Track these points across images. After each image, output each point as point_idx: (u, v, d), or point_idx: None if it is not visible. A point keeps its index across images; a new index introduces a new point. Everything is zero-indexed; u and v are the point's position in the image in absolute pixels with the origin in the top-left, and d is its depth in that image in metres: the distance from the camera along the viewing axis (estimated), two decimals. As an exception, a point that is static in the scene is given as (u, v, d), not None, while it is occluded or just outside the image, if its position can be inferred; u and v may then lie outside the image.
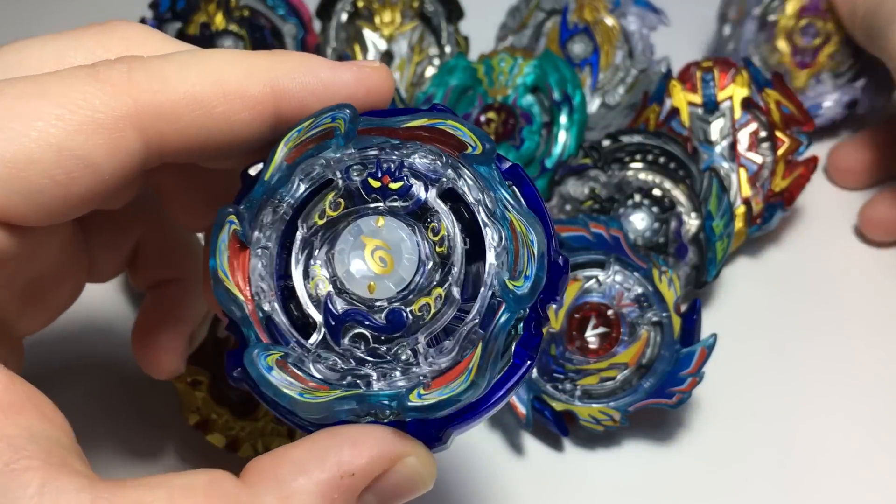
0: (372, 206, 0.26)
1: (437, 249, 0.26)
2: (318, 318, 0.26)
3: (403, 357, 0.25)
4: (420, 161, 0.26)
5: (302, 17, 0.52)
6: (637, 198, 0.45)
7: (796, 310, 0.46)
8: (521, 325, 0.25)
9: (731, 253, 0.46)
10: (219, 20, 0.51)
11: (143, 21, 0.51)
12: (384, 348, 0.25)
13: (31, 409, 0.23)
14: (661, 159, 0.45)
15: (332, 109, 0.26)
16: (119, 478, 0.23)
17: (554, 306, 0.36)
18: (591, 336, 0.40)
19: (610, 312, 0.40)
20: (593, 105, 0.51)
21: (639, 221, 0.45)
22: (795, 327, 0.45)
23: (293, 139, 0.26)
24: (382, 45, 0.53)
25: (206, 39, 0.51)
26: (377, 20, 0.53)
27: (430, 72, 0.53)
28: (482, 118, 0.49)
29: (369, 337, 0.26)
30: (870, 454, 0.40)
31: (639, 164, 0.45)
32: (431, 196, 0.26)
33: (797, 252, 0.48)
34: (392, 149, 0.26)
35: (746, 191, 0.46)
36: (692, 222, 0.44)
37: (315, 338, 0.26)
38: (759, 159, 0.47)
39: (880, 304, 0.46)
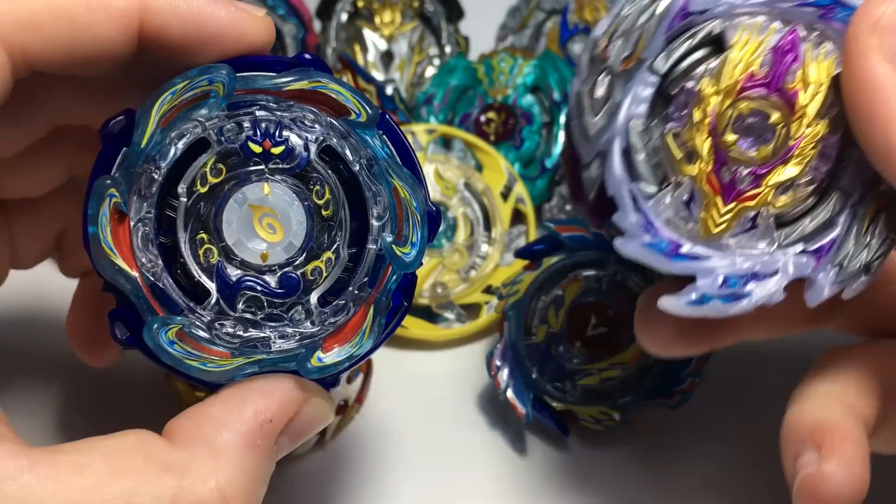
0: (254, 169, 0.26)
1: (323, 213, 0.27)
2: (209, 285, 0.26)
3: (298, 317, 0.26)
4: (300, 123, 0.26)
5: (302, 17, 0.52)
6: (637, 198, 0.45)
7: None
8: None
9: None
10: (219, 20, 0.51)
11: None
12: (279, 311, 0.26)
13: None
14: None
15: (208, 71, 0.25)
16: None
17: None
18: (592, 336, 0.40)
19: (610, 312, 0.40)
20: (593, 105, 0.51)
21: (639, 221, 0.45)
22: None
23: (167, 102, 0.25)
24: (382, 45, 0.53)
25: (207, 39, 0.51)
26: (377, 20, 0.53)
27: (430, 72, 0.53)
28: (482, 118, 0.49)
29: (263, 301, 0.26)
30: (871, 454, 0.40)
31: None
32: (313, 159, 0.26)
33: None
34: (271, 110, 0.26)
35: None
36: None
37: (209, 305, 0.26)
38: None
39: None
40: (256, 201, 0.26)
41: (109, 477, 0.23)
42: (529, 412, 0.40)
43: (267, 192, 0.26)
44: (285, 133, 0.26)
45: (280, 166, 0.26)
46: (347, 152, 0.26)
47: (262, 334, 0.26)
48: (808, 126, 0.26)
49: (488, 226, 0.46)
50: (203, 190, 0.26)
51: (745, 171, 0.27)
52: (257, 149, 0.26)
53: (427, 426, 0.42)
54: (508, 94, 0.49)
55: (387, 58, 0.53)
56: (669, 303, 0.26)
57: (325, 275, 0.27)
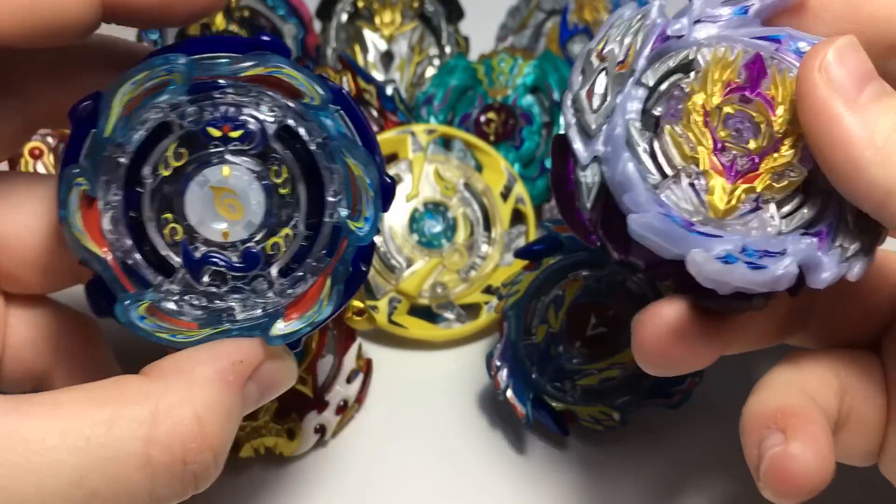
0: (214, 152, 0.28)
1: (281, 191, 0.28)
2: (176, 261, 0.28)
3: (260, 288, 0.28)
4: (258, 107, 0.28)
5: (302, 17, 0.52)
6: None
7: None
8: None
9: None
10: (219, 21, 0.51)
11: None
12: (242, 283, 0.28)
13: None
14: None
15: (167, 61, 0.27)
16: None
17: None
18: (591, 336, 0.40)
19: (610, 312, 0.40)
20: (593, 105, 0.51)
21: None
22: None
23: (129, 92, 0.27)
24: (382, 46, 0.53)
25: (207, 40, 0.51)
26: (377, 20, 0.53)
27: (430, 72, 0.53)
28: (482, 118, 0.49)
29: (227, 275, 0.28)
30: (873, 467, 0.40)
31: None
32: (271, 140, 0.28)
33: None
34: (229, 94, 0.28)
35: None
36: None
37: (176, 279, 0.28)
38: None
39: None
40: (217, 183, 0.28)
41: (90, 406, 0.24)
42: (529, 412, 0.40)
43: (226, 174, 0.28)
44: (243, 117, 0.28)
45: (239, 148, 0.28)
46: (303, 132, 0.28)
47: (227, 305, 0.28)
48: (790, 123, 0.28)
49: (488, 226, 0.46)
50: (166, 173, 0.28)
51: (743, 157, 0.28)
52: (217, 133, 0.28)
53: (427, 426, 0.42)
54: (508, 94, 0.49)
55: (387, 58, 0.53)
56: (701, 257, 0.26)
57: (283, 249, 0.28)
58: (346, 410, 0.41)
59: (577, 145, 0.29)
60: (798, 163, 0.28)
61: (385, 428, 0.42)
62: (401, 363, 0.44)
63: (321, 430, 0.40)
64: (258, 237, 0.28)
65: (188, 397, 0.26)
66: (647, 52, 0.29)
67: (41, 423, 0.24)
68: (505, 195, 0.46)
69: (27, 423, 0.24)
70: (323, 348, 0.40)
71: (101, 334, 0.35)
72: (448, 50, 0.53)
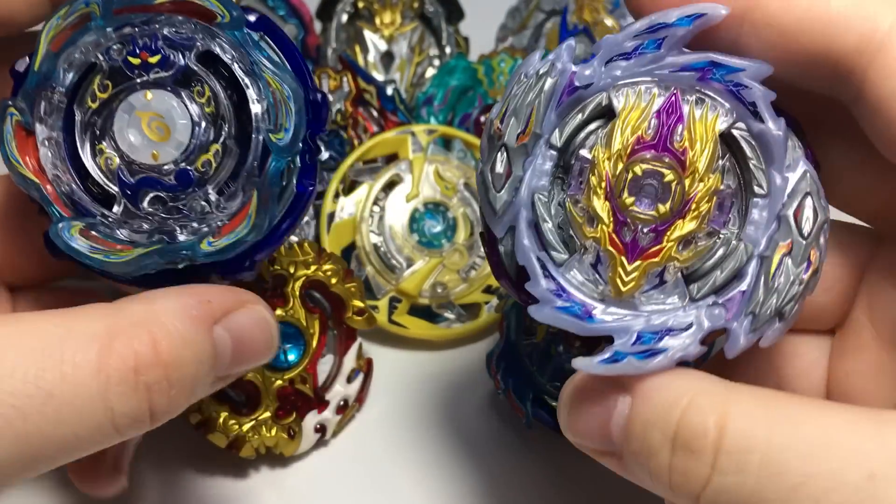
0: (138, 81, 0.29)
1: (207, 110, 0.29)
2: (114, 189, 0.29)
3: (198, 209, 0.29)
4: (174, 31, 0.29)
5: (302, 17, 0.52)
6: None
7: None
8: (298, 158, 0.29)
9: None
10: (219, 21, 0.51)
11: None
12: (181, 204, 0.29)
13: None
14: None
15: None
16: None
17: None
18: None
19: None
20: (593, 105, 0.51)
21: (638, 221, 0.45)
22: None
23: (54, 27, 0.28)
24: (383, 46, 0.53)
25: (207, 40, 0.51)
26: (377, 21, 0.53)
27: (430, 72, 0.53)
28: (482, 118, 0.49)
29: (165, 197, 0.29)
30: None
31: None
32: (191, 62, 0.29)
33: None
34: (146, 24, 0.29)
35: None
36: (692, 222, 0.44)
37: (118, 208, 0.29)
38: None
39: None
40: (142, 107, 0.29)
41: (45, 322, 0.25)
42: (529, 412, 0.40)
43: (149, 98, 0.29)
44: (160, 43, 0.29)
45: (161, 74, 0.29)
46: (219, 52, 0.29)
47: (168, 228, 0.29)
48: (701, 181, 0.27)
49: (488, 226, 0.46)
50: (94, 105, 0.29)
51: (646, 230, 0.27)
52: (136, 61, 0.29)
53: (427, 426, 0.42)
54: (508, 94, 0.49)
55: (387, 58, 0.53)
56: (582, 363, 0.26)
57: (214, 166, 0.29)
58: (346, 410, 0.41)
59: (489, 221, 0.28)
60: (709, 225, 0.27)
61: (385, 427, 0.42)
62: (401, 363, 0.44)
63: (321, 429, 0.40)
64: (190, 157, 0.29)
65: (145, 319, 0.26)
66: (553, 108, 0.27)
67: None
68: (505, 195, 0.46)
69: None
70: (323, 348, 0.41)
71: None
72: (448, 50, 0.53)
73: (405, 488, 0.40)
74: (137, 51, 0.29)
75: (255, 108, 0.29)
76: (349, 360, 0.41)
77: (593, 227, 0.27)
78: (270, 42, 0.29)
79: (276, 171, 0.29)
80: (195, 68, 0.29)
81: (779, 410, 0.24)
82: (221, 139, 0.29)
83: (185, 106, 0.29)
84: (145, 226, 0.29)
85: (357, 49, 0.53)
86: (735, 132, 0.27)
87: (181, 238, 0.29)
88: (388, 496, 0.40)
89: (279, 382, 0.39)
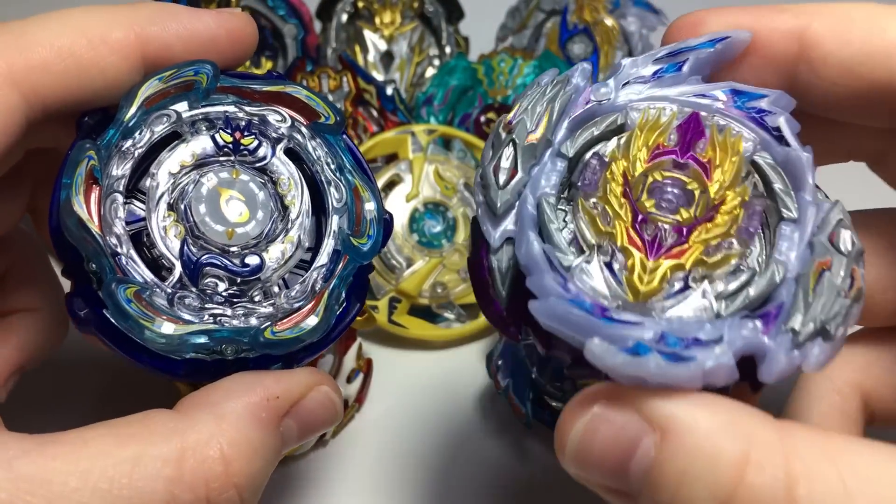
0: (223, 159, 0.28)
1: (286, 202, 0.29)
2: (173, 259, 0.27)
3: (257, 298, 0.28)
4: (269, 121, 0.29)
5: (302, 17, 0.52)
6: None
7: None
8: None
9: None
10: (219, 21, 0.51)
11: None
12: (239, 289, 0.28)
13: None
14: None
15: (194, 63, 0.28)
16: None
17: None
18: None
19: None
20: (593, 105, 0.51)
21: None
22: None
23: (154, 86, 0.27)
24: (382, 46, 0.53)
25: (207, 40, 0.51)
26: (377, 21, 0.53)
27: (430, 72, 0.53)
28: (482, 118, 0.49)
29: (226, 279, 0.28)
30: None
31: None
32: (279, 153, 0.29)
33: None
34: (242, 108, 0.29)
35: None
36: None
37: (172, 278, 0.27)
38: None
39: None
40: (225, 184, 0.28)
41: (115, 445, 0.24)
42: (529, 412, 0.40)
43: (235, 176, 0.28)
44: (256, 126, 0.29)
45: (248, 158, 0.29)
46: (311, 151, 0.29)
47: (221, 311, 0.27)
48: (729, 189, 0.25)
49: (488, 226, 0.46)
50: (176, 171, 0.28)
51: (670, 228, 0.24)
52: (227, 138, 0.28)
53: (427, 426, 0.42)
54: (508, 94, 0.49)
55: (387, 58, 0.53)
56: (598, 348, 0.21)
57: (285, 259, 0.28)
58: (346, 410, 0.41)
59: (486, 226, 0.25)
60: (738, 233, 0.24)
61: (385, 428, 0.42)
62: (401, 363, 0.44)
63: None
64: (262, 244, 0.28)
65: (215, 433, 0.25)
66: (566, 120, 0.26)
67: (64, 465, 0.23)
68: (505, 195, 0.46)
69: (50, 464, 0.23)
70: (323, 348, 0.40)
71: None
72: (448, 50, 0.53)
73: (405, 488, 0.40)
74: (232, 130, 0.29)
75: (335, 210, 0.29)
76: (349, 361, 0.41)
77: (608, 223, 0.24)
78: (349, 149, 0.30)
79: (349, 275, 0.28)
80: (281, 161, 0.29)
81: (846, 460, 0.20)
82: (295, 234, 0.29)
83: (268, 193, 0.28)
84: (195, 303, 0.27)
85: (357, 49, 0.53)
86: (758, 158, 0.25)
87: (234, 323, 0.27)
88: (387, 496, 0.40)
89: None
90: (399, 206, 0.45)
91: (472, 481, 0.40)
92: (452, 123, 0.49)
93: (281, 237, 0.28)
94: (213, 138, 0.28)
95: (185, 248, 0.27)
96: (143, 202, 0.28)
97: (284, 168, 0.29)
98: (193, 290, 0.27)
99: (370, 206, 0.29)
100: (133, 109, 0.27)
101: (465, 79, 0.50)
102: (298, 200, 0.29)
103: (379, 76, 0.52)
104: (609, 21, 0.52)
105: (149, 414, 0.26)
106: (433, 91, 0.50)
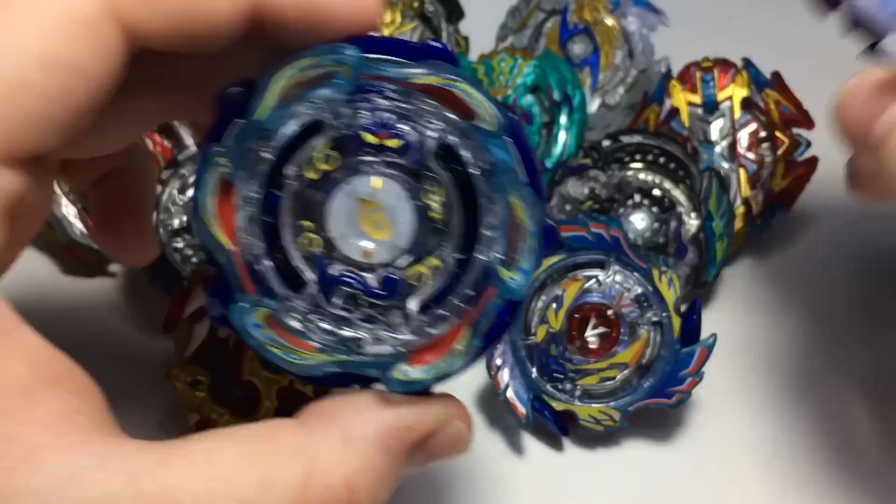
0: (367, 160, 0.25)
1: (433, 215, 0.25)
2: (308, 275, 0.25)
3: (395, 322, 0.25)
4: (421, 118, 0.25)
5: (302, 17, 0.52)
6: (637, 198, 0.45)
7: (796, 310, 0.46)
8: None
9: (731, 253, 0.46)
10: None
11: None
12: (376, 312, 0.25)
13: (71, 383, 0.23)
14: (661, 159, 0.45)
15: (336, 51, 0.24)
16: None
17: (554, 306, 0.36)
18: (591, 336, 0.40)
19: (610, 312, 0.40)
20: (593, 105, 0.51)
21: (639, 221, 0.45)
22: (795, 327, 0.45)
23: (288, 77, 0.24)
24: (382, 46, 0.53)
25: (207, 39, 0.51)
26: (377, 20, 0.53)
27: (430, 72, 0.53)
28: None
29: (362, 300, 0.25)
30: (870, 453, 0.40)
31: (639, 165, 0.45)
32: (430, 157, 0.25)
33: (797, 252, 0.48)
34: (392, 100, 0.25)
35: (746, 190, 0.46)
36: (692, 222, 0.44)
37: (305, 295, 0.25)
38: (758, 159, 0.47)
39: (879, 305, 0.46)
40: (366, 195, 0.25)
41: (244, 464, 0.23)
42: (529, 412, 0.40)
43: (378, 187, 0.25)
44: (404, 126, 0.25)
45: (394, 160, 0.25)
46: (468, 155, 0.25)
47: (356, 335, 0.25)
48: None
49: (488, 226, 0.46)
50: (313, 176, 0.25)
51: None
52: (373, 139, 0.25)
53: (427, 426, 0.42)
54: (508, 94, 0.49)
55: (387, 58, 0.53)
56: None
57: (428, 281, 0.25)
58: (345, 410, 0.41)
59: None
60: None
61: (385, 428, 0.42)
62: (401, 363, 0.44)
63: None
64: (401, 263, 0.25)
65: (342, 460, 0.24)
66: None
67: (192, 485, 0.22)
68: (505, 195, 0.46)
69: (177, 483, 0.22)
70: (323, 348, 0.40)
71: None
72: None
73: (404, 487, 0.40)
74: (377, 128, 0.24)
75: (487, 230, 0.25)
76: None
77: None
78: (514, 153, 0.25)
79: (496, 311, 0.25)
80: (433, 165, 0.25)
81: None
82: (442, 253, 0.25)
83: (413, 206, 0.25)
84: (329, 324, 0.25)
85: (357, 48, 0.53)
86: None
87: (369, 349, 0.25)
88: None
89: (279, 383, 0.39)
90: (399, 205, 0.45)
91: (471, 482, 0.40)
92: (452, 123, 0.49)
93: (425, 257, 0.25)
94: (355, 138, 0.25)
95: (321, 263, 0.25)
96: (276, 210, 0.25)
97: (435, 174, 0.25)
98: (327, 309, 0.25)
99: (527, 229, 0.25)
100: (268, 104, 0.24)
101: (465, 78, 0.50)
102: (448, 214, 0.25)
103: (379, 76, 0.52)
104: (609, 21, 0.52)
105: (276, 427, 0.24)
106: (433, 91, 0.50)
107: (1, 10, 0.22)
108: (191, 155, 0.44)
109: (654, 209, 0.45)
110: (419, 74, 0.24)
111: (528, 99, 0.49)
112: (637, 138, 0.45)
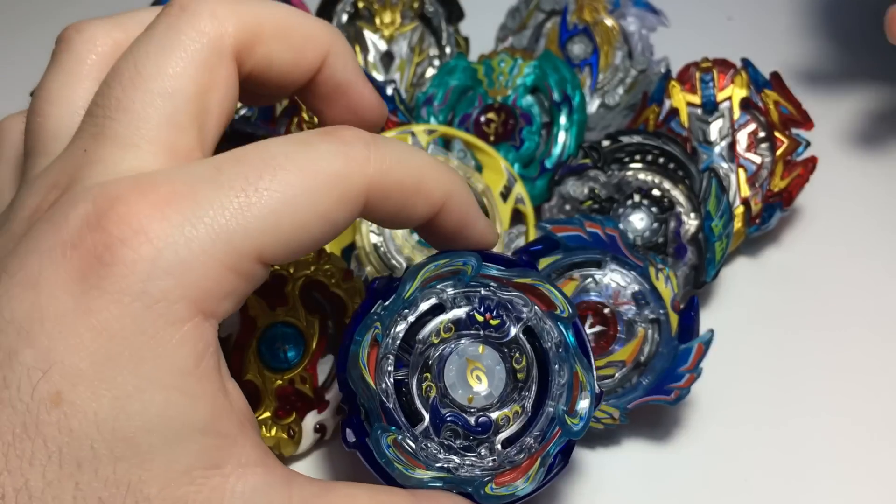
0: (474, 333, 0.34)
1: (518, 375, 0.34)
2: (424, 413, 0.33)
3: (483, 452, 0.33)
4: (513, 306, 0.34)
5: (303, 18, 0.52)
6: (636, 198, 0.45)
7: (794, 310, 0.46)
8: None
9: (730, 253, 0.47)
10: (220, 21, 0.51)
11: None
12: (470, 443, 0.34)
13: (252, 425, 0.29)
14: (661, 159, 0.45)
15: (464, 255, 0.34)
16: None
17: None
18: (589, 335, 0.41)
19: (607, 311, 0.40)
20: (592, 105, 0.51)
21: (638, 221, 0.45)
22: (794, 327, 0.45)
23: (431, 269, 0.34)
24: (383, 46, 0.53)
25: (208, 40, 0.51)
26: (377, 21, 0.53)
27: (430, 72, 0.53)
28: (482, 118, 0.49)
29: (462, 434, 0.34)
30: (869, 453, 0.40)
31: (638, 165, 0.45)
32: (518, 334, 0.34)
33: (796, 252, 0.48)
34: (494, 291, 0.34)
35: (745, 191, 0.46)
36: (691, 222, 0.44)
37: (421, 428, 0.33)
38: (757, 159, 0.47)
39: (878, 304, 0.46)
40: (472, 356, 0.34)
41: None
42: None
43: (481, 351, 0.34)
44: (501, 311, 0.34)
45: (493, 334, 0.34)
46: (545, 334, 0.34)
47: (454, 459, 0.33)
48: None
49: (488, 226, 0.46)
50: (435, 341, 0.34)
51: None
52: (480, 318, 0.34)
53: (427, 425, 0.42)
54: (508, 94, 0.49)
55: (387, 58, 0.53)
56: None
57: (510, 423, 0.34)
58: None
59: None
60: None
61: (385, 427, 0.42)
62: (401, 363, 0.44)
63: (321, 429, 0.40)
64: (493, 408, 0.34)
65: None
66: None
67: None
68: (505, 195, 0.46)
69: None
70: (323, 348, 0.41)
71: None
72: (448, 50, 0.53)
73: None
74: (483, 311, 0.34)
75: (556, 387, 0.34)
76: (349, 360, 0.41)
77: None
78: (576, 336, 0.35)
79: (560, 448, 0.34)
80: (520, 339, 0.34)
81: None
82: (522, 403, 0.34)
83: (505, 367, 0.34)
84: (435, 451, 0.33)
85: (357, 49, 0.53)
86: None
87: (462, 473, 0.33)
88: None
89: (279, 382, 0.39)
90: (399, 206, 0.45)
91: (472, 480, 0.40)
92: (452, 123, 0.49)
93: (510, 405, 0.34)
94: (468, 315, 0.34)
95: (435, 404, 0.34)
96: (408, 362, 0.34)
97: (521, 346, 0.34)
98: (436, 439, 0.33)
99: (586, 389, 0.34)
100: (413, 287, 0.34)
101: (465, 79, 0.50)
102: (527, 375, 0.34)
103: (379, 76, 0.52)
104: (609, 21, 0.52)
105: (394, 491, 0.31)
106: (433, 91, 0.50)
107: (309, 173, 0.29)
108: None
109: (654, 209, 0.45)
110: (516, 275, 0.35)
111: (528, 99, 0.49)
112: (636, 138, 0.45)
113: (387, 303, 0.34)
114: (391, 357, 0.34)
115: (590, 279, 0.41)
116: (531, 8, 0.54)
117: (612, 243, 0.41)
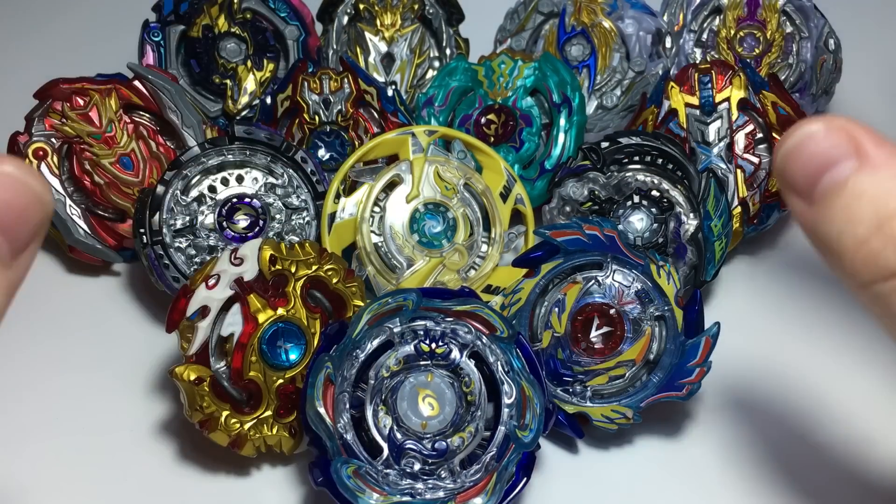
0: (422, 363, 0.37)
1: (468, 398, 0.37)
2: (382, 443, 0.36)
3: (443, 474, 0.36)
4: (458, 333, 0.37)
5: (304, 19, 0.53)
6: (636, 199, 0.45)
7: (793, 308, 0.46)
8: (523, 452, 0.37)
9: (729, 253, 0.47)
10: (221, 23, 0.51)
11: (146, 23, 0.51)
12: (430, 467, 0.36)
13: None
14: (660, 160, 0.45)
15: (405, 292, 0.37)
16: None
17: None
18: (596, 336, 0.41)
19: (612, 311, 0.40)
20: (590, 107, 0.52)
21: (637, 222, 0.45)
22: (793, 325, 0.45)
23: (374, 309, 0.37)
24: (383, 48, 0.53)
25: (209, 42, 0.51)
26: (378, 23, 0.53)
27: (430, 74, 0.53)
28: (482, 120, 0.49)
29: (420, 460, 0.36)
30: (868, 448, 0.41)
31: (637, 166, 0.46)
32: (464, 359, 0.37)
33: (793, 251, 0.49)
34: (438, 323, 0.37)
35: (743, 191, 0.46)
36: (690, 223, 0.44)
37: (381, 457, 0.36)
38: (755, 160, 0.47)
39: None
40: (422, 385, 0.37)
41: None
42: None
43: (430, 380, 0.37)
44: (446, 340, 0.37)
45: (440, 363, 0.37)
46: (490, 357, 0.37)
47: (416, 485, 0.36)
48: None
49: (488, 226, 0.46)
50: (386, 374, 0.37)
51: None
52: (426, 349, 0.37)
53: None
54: (508, 95, 0.50)
55: (388, 60, 0.53)
56: None
57: (466, 444, 0.36)
58: (347, 409, 0.41)
59: None
60: None
61: (386, 426, 0.42)
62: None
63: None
64: (447, 432, 0.36)
65: None
66: None
67: None
68: (504, 196, 0.46)
69: None
70: (325, 347, 0.41)
71: None
72: (448, 52, 0.54)
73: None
74: (429, 343, 0.37)
75: (506, 406, 0.36)
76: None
77: None
78: (521, 355, 0.37)
79: (515, 462, 0.36)
80: (466, 365, 0.37)
81: None
82: (475, 425, 0.36)
83: (454, 392, 0.37)
84: (396, 479, 0.36)
85: (358, 51, 0.53)
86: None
87: (427, 495, 0.35)
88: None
89: (280, 381, 0.39)
90: (399, 206, 0.45)
91: (473, 479, 0.40)
92: (453, 124, 0.50)
93: (463, 427, 0.36)
94: (415, 347, 0.37)
95: (391, 434, 0.36)
96: (362, 397, 0.36)
97: (468, 369, 0.37)
98: (396, 467, 0.36)
99: (534, 405, 0.37)
100: (360, 328, 0.37)
101: (465, 80, 0.50)
102: (478, 397, 0.37)
103: (380, 78, 0.53)
104: (607, 23, 0.52)
105: None
106: (434, 92, 0.50)
107: None
108: (193, 156, 0.44)
109: (653, 210, 0.45)
110: (457, 304, 0.37)
111: (528, 101, 0.49)
112: (636, 139, 0.45)
113: (338, 345, 0.36)
114: (346, 394, 0.36)
115: (592, 281, 0.41)
116: (529, 10, 0.54)
117: (612, 244, 0.41)
